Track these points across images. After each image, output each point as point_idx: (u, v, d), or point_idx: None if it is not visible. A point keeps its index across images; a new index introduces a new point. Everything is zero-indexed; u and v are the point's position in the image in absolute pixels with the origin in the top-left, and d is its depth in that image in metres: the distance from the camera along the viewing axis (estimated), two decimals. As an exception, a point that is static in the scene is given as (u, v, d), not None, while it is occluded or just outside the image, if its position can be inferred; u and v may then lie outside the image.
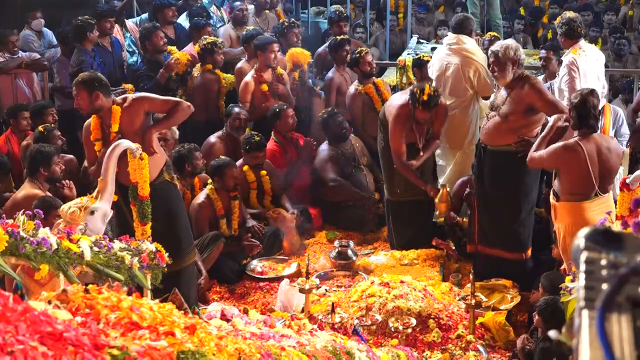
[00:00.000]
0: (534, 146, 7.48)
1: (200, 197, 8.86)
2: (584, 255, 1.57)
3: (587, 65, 8.92)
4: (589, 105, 7.18)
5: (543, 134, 7.54)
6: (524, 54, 8.14)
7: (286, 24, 11.21)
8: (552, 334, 1.95)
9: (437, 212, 8.95)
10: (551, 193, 7.61)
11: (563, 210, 7.36)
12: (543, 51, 10.15)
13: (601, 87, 9.02)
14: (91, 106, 7.30)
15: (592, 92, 7.34)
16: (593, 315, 1.48)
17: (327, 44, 11.44)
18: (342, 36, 11.11)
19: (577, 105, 7.20)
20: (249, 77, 10.42)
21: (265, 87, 10.40)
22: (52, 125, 9.30)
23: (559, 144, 7.36)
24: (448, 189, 8.82)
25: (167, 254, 6.35)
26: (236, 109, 9.97)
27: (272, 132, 10.17)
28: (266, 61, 10.36)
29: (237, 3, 12.52)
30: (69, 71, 10.46)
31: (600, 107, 7.51)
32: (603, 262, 1.54)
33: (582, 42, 9.17)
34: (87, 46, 10.49)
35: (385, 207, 9.50)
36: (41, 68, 10.97)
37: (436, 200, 8.77)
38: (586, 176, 7.16)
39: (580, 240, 1.60)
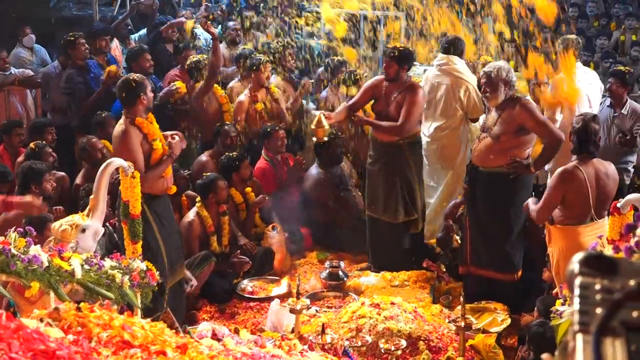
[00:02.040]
0: (531, 205, 7.52)
1: (190, 215, 8.86)
2: (578, 280, 1.58)
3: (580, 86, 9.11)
4: (590, 131, 7.21)
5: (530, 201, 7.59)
6: (515, 76, 8.19)
7: (281, 46, 11.19)
8: (545, 357, 1.95)
9: (315, 139, 8.99)
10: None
11: (557, 234, 7.36)
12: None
13: (588, 108, 9.11)
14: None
15: (594, 118, 7.39)
16: (588, 339, 1.49)
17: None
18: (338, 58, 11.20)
19: (578, 131, 7.23)
20: (243, 97, 10.44)
21: (259, 106, 10.42)
22: (44, 142, 9.28)
23: (559, 170, 7.37)
24: (323, 114, 8.84)
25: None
26: (225, 127, 10.00)
27: (263, 151, 10.19)
28: (259, 81, 10.39)
29: (231, 23, 12.57)
30: (61, 89, 10.49)
31: None
32: (597, 286, 1.55)
33: (578, 65, 9.30)
34: (78, 59, 10.51)
35: (366, 225, 9.50)
36: (34, 85, 10.97)
37: (312, 126, 8.82)
38: (584, 200, 7.17)
39: (574, 265, 1.61)
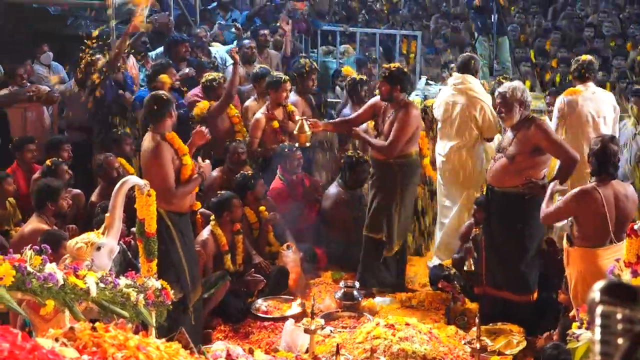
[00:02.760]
0: (544, 204, 7.50)
1: (204, 233, 8.86)
2: (599, 309, 1.56)
3: (581, 107, 9.16)
4: (609, 152, 7.18)
5: (546, 197, 7.56)
6: (530, 96, 8.18)
7: (308, 68, 11.12)
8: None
9: (297, 144, 9.29)
10: (565, 237, 7.58)
11: (576, 256, 7.31)
12: (548, 97, 10.24)
13: (602, 128, 9.09)
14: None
15: (612, 139, 7.36)
16: (610, 370, 1.47)
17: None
18: (361, 76, 11.24)
19: (597, 152, 7.20)
20: (260, 114, 10.44)
21: (276, 124, 10.42)
22: (60, 159, 9.30)
23: (576, 189, 7.34)
24: (305, 119, 8.99)
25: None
26: (234, 144, 10.01)
27: (278, 171, 10.18)
28: (278, 99, 10.39)
29: (246, 41, 12.59)
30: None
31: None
32: (619, 316, 1.53)
33: (590, 85, 9.30)
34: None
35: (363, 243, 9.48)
36: (52, 101, 10.99)
37: (295, 131, 9.02)
38: (602, 223, 7.13)
39: (595, 293, 1.60)
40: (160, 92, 7.96)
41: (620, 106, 10.34)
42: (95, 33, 10.64)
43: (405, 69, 9.06)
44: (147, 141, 7.57)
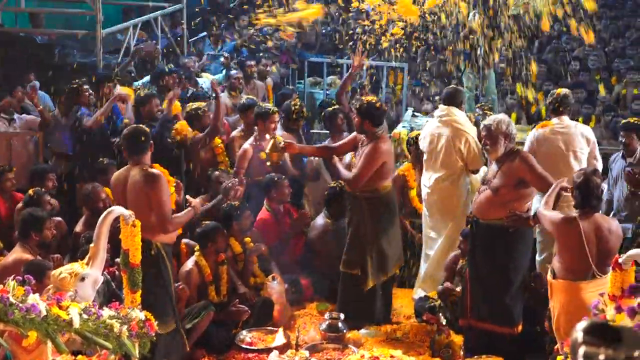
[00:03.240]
0: (545, 196, 7.54)
1: (189, 264, 8.83)
2: (582, 350, 1.56)
3: (550, 141, 9.22)
4: (592, 185, 7.21)
5: (549, 192, 7.58)
6: (515, 129, 8.21)
7: (297, 108, 11.09)
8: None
9: (268, 163, 9.48)
10: (549, 270, 7.59)
11: (559, 288, 7.32)
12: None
13: (572, 162, 9.10)
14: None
15: (594, 172, 7.39)
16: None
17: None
18: (335, 106, 11.21)
19: (580, 185, 7.23)
20: (247, 145, 10.45)
21: (263, 155, 10.41)
22: (43, 189, 9.26)
23: (560, 215, 7.36)
24: (278, 138, 9.29)
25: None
26: (216, 173, 10.01)
27: (265, 201, 10.16)
28: (266, 130, 10.39)
29: (233, 72, 12.62)
30: (68, 129, 10.53)
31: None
32: (601, 357, 1.53)
33: (563, 119, 9.31)
34: (83, 107, 10.58)
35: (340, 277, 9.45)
36: (40, 127, 10.97)
37: (267, 150, 9.28)
38: (581, 255, 7.14)
39: (578, 333, 1.59)
40: (140, 125, 8.02)
41: (605, 140, 10.34)
42: None
43: (379, 104, 8.98)
44: (137, 174, 7.55)
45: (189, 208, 7.86)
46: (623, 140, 9.83)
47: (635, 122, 9.96)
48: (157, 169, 7.58)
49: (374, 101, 9.00)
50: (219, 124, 10.46)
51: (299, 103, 11.26)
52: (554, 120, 9.41)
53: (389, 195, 9.19)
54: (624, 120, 10.32)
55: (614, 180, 9.83)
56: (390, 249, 9.24)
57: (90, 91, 10.78)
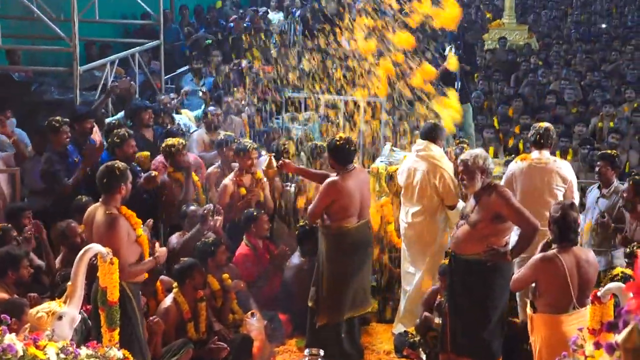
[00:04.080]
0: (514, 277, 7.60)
1: (167, 301, 8.78)
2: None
3: (525, 175, 9.23)
4: (570, 219, 7.26)
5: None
6: (492, 163, 8.23)
7: (285, 149, 11.10)
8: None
9: (265, 179, 10.02)
10: (528, 304, 7.60)
11: (540, 322, 7.34)
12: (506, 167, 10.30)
13: (547, 198, 9.12)
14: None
15: (572, 206, 7.43)
16: None
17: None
18: (320, 143, 11.26)
19: (558, 220, 7.27)
20: (227, 180, 10.47)
21: (243, 190, 10.43)
22: (9, 225, 9.18)
23: (538, 256, 7.41)
24: (273, 156, 9.63)
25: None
26: (192, 208, 9.97)
27: (245, 237, 10.13)
28: (244, 166, 10.41)
29: (212, 108, 12.62)
30: (40, 170, 10.46)
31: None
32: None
33: (543, 153, 9.32)
34: (57, 145, 10.49)
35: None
36: (17, 161, 10.92)
37: (263, 167, 9.61)
38: (564, 289, 7.17)
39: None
40: (116, 163, 7.90)
41: (582, 173, 10.38)
42: None
43: (341, 143, 8.98)
44: (100, 215, 7.55)
45: (151, 258, 7.84)
46: (598, 170, 9.92)
47: (611, 152, 10.06)
48: (121, 212, 7.58)
49: (339, 139, 9.00)
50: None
51: (288, 144, 11.31)
52: (533, 154, 9.43)
53: (344, 235, 9.03)
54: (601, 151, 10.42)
55: (585, 211, 9.90)
56: (347, 291, 9.10)
57: (68, 132, 10.68)
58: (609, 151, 10.20)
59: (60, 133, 10.50)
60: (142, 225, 7.84)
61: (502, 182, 9.29)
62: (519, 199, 8.99)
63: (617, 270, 8.44)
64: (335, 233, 8.99)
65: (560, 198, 9.15)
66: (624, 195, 9.54)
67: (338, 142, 8.93)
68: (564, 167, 9.42)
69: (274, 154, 10.05)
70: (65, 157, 10.60)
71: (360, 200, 8.96)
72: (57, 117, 10.65)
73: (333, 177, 8.95)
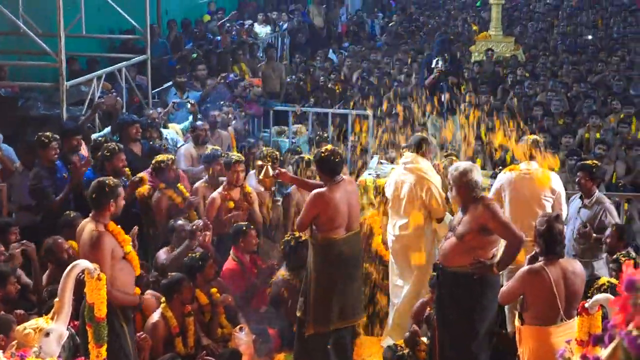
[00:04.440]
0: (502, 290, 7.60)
1: (155, 316, 8.76)
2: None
3: (514, 186, 9.27)
4: (555, 232, 7.27)
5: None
6: (480, 176, 8.23)
7: (269, 156, 11.07)
8: None
9: (263, 189, 9.93)
10: (516, 316, 7.60)
11: (528, 334, 7.35)
12: (493, 179, 10.31)
13: (535, 209, 9.14)
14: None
15: (557, 218, 7.45)
16: None
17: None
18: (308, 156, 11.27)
19: (544, 233, 7.28)
20: (216, 194, 10.47)
21: (231, 204, 10.42)
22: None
23: (524, 269, 7.42)
24: (270, 163, 9.62)
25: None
26: (179, 222, 9.94)
27: (232, 251, 10.11)
28: (230, 179, 10.41)
29: (199, 123, 12.61)
30: (28, 185, 10.44)
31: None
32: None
33: (532, 164, 9.37)
34: (46, 161, 10.48)
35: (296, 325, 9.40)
36: (3, 177, 10.89)
37: (260, 176, 9.51)
38: (552, 301, 7.18)
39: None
40: (107, 179, 7.88)
41: (570, 184, 10.41)
42: None
43: (325, 155, 8.97)
44: (86, 231, 7.54)
45: (136, 297, 7.88)
46: (577, 180, 9.95)
47: (590, 163, 10.08)
48: (108, 228, 7.58)
49: (324, 151, 9.00)
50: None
51: (270, 151, 11.30)
52: (522, 165, 9.47)
53: (332, 246, 8.96)
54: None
55: (566, 221, 9.91)
56: (334, 302, 9.04)
57: (57, 147, 10.67)
58: (588, 162, 10.21)
59: (49, 149, 10.48)
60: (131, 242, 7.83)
61: (490, 193, 9.33)
62: (508, 210, 9.01)
63: (603, 280, 8.44)
64: (322, 244, 8.95)
65: (549, 209, 9.17)
66: (607, 240, 9.32)
67: (323, 154, 8.92)
68: (553, 178, 9.46)
69: (270, 162, 10.02)
70: (54, 173, 10.59)
71: (348, 212, 8.95)
72: (47, 133, 10.63)
73: (320, 188, 8.96)
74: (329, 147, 9.30)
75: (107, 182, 7.73)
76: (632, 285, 2.14)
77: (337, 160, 8.90)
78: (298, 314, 9.15)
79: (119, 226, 7.70)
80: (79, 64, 15.93)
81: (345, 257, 9.00)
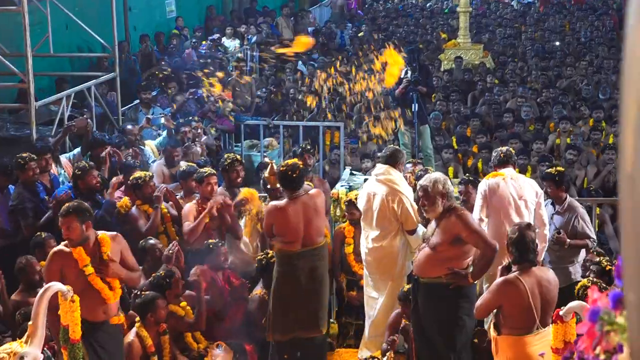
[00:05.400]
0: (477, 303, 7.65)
1: (130, 335, 8.70)
2: None
3: (502, 190, 9.30)
4: (528, 240, 7.30)
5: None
6: (452, 186, 8.27)
7: (229, 160, 11.13)
8: None
9: (269, 185, 9.79)
10: (492, 326, 7.62)
11: (504, 344, 7.38)
12: (462, 185, 10.34)
13: (523, 211, 9.21)
14: (82, 236, 7.52)
15: (529, 226, 7.48)
16: None
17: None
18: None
19: (516, 241, 7.32)
20: (190, 204, 10.44)
21: (207, 218, 10.39)
22: None
23: (499, 280, 7.45)
24: (274, 161, 9.83)
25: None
26: (151, 242, 9.89)
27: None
28: (204, 193, 10.39)
29: (171, 142, 12.58)
30: (9, 205, 10.39)
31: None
32: None
33: (510, 169, 9.46)
34: (26, 182, 10.47)
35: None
36: None
37: (266, 174, 9.76)
38: (528, 311, 7.22)
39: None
40: (83, 205, 7.95)
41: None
42: None
43: (284, 169, 9.07)
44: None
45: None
46: (544, 190, 10.02)
47: (553, 171, 10.11)
48: (72, 250, 7.64)
49: (283, 166, 9.12)
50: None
51: (231, 155, 11.31)
52: (504, 170, 9.53)
53: (287, 258, 9.16)
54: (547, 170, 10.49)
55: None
56: (289, 312, 9.19)
57: (35, 168, 10.64)
58: (550, 170, 10.24)
59: (27, 170, 10.49)
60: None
61: (477, 201, 9.32)
62: (495, 215, 9.07)
63: (583, 283, 8.36)
64: (279, 255, 9.20)
65: (532, 212, 9.27)
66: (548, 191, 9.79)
67: (282, 168, 9.08)
68: (532, 182, 9.60)
69: (274, 160, 10.08)
70: (37, 194, 10.60)
71: (305, 228, 9.04)
72: (23, 154, 10.61)
73: (275, 201, 9.17)
74: (290, 161, 9.37)
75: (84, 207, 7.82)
76: (595, 316, 2.18)
77: (294, 175, 9.00)
78: (262, 321, 9.23)
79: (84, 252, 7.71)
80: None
81: (301, 271, 9.14)
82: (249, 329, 9.89)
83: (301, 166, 9.28)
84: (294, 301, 9.17)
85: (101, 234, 7.92)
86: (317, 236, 9.23)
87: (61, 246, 7.72)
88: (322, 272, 9.38)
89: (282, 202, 9.08)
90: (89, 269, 7.64)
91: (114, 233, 8.16)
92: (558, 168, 10.24)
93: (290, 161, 9.36)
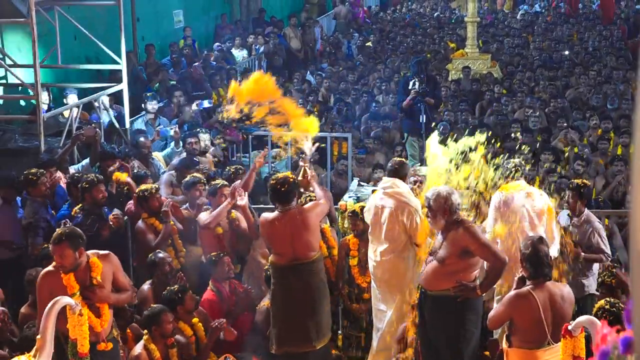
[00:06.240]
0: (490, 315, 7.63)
1: (137, 349, 8.69)
2: None
3: (516, 202, 9.17)
4: (541, 254, 7.28)
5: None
6: (458, 198, 8.23)
7: (232, 170, 11.15)
8: None
9: (302, 189, 9.85)
10: (504, 338, 7.61)
11: (515, 357, 7.38)
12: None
13: (536, 223, 9.17)
14: (74, 264, 7.51)
15: (541, 240, 7.45)
16: None
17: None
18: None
19: (530, 256, 7.29)
20: (205, 213, 10.48)
21: (219, 230, 10.38)
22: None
23: (511, 293, 7.43)
24: (306, 164, 9.88)
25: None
26: (160, 255, 9.87)
27: (211, 281, 10.04)
28: (216, 205, 10.40)
29: (182, 159, 12.63)
30: (23, 222, 10.39)
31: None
32: None
33: (520, 180, 9.41)
34: (39, 196, 10.48)
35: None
36: None
37: (300, 177, 9.65)
38: (539, 325, 7.20)
39: None
40: (69, 230, 7.93)
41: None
42: None
43: (273, 183, 9.11)
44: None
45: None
46: (567, 200, 9.98)
47: (580, 183, 10.11)
48: (61, 273, 7.62)
49: (273, 179, 9.15)
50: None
51: (236, 166, 11.36)
52: (518, 182, 9.47)
53: (276, 270, 9.24)
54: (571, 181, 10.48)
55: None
56: (278, 324, 9.23)
57: (46, 182, 10.66)
58: (577, 181, 10.24)
59: (39, 185, 10.50)
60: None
61: (490, 212, 9.21)
62: (509, 228, 9.03)
63: (601, 304, 8.23)
64: (272, 267, 9.32)
65: (545, 225, 9.25)
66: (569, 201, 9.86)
67: (272, 182, 9.12)
68: (545, 195, 9.57)
69: (308, 164, 10.05)
70: (45, 208, 10.62)
71: (292, 243, 9.05)
72: (33, 170, 10.62)
73: (267, 213, 9.30)
74: (281, 174, 9.37)
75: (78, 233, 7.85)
76: (605, 357, 2.18)
77: (283, 189, 9.00)
78: (267, 333, 9.25)
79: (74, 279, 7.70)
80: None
81: (293, 286, 9.15)
82: (256, 341, 9.89)
83: (291, 180, 9.24)
84: (285, 315, 9.20)
85: (93, 256, 7.83)
86: (308, 250, 9.16)
87: (52, 268, 7.68)
88: (316, 287, 9.29)
89: (271, 214, 9.16)
90: (77, 298, 7.57)
91: (106, 252, 8.03)
92: (585, 181, 10.27)
93: (280, 175, 9.37)
